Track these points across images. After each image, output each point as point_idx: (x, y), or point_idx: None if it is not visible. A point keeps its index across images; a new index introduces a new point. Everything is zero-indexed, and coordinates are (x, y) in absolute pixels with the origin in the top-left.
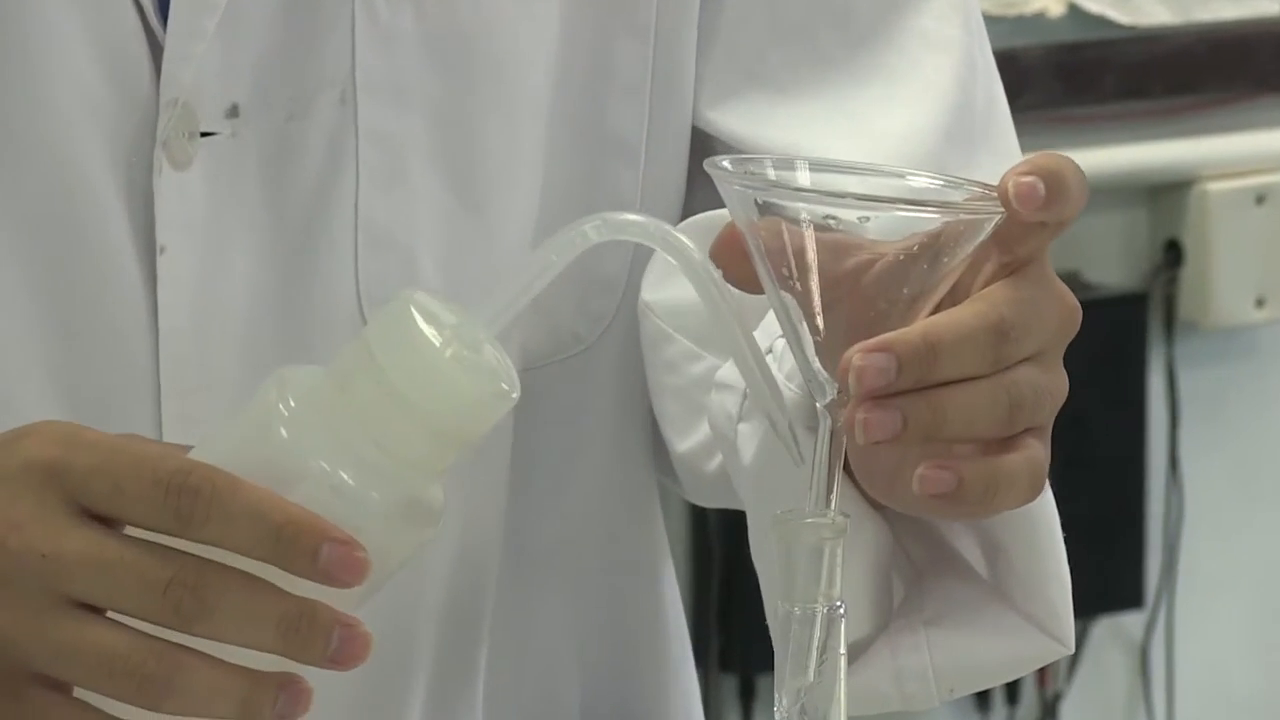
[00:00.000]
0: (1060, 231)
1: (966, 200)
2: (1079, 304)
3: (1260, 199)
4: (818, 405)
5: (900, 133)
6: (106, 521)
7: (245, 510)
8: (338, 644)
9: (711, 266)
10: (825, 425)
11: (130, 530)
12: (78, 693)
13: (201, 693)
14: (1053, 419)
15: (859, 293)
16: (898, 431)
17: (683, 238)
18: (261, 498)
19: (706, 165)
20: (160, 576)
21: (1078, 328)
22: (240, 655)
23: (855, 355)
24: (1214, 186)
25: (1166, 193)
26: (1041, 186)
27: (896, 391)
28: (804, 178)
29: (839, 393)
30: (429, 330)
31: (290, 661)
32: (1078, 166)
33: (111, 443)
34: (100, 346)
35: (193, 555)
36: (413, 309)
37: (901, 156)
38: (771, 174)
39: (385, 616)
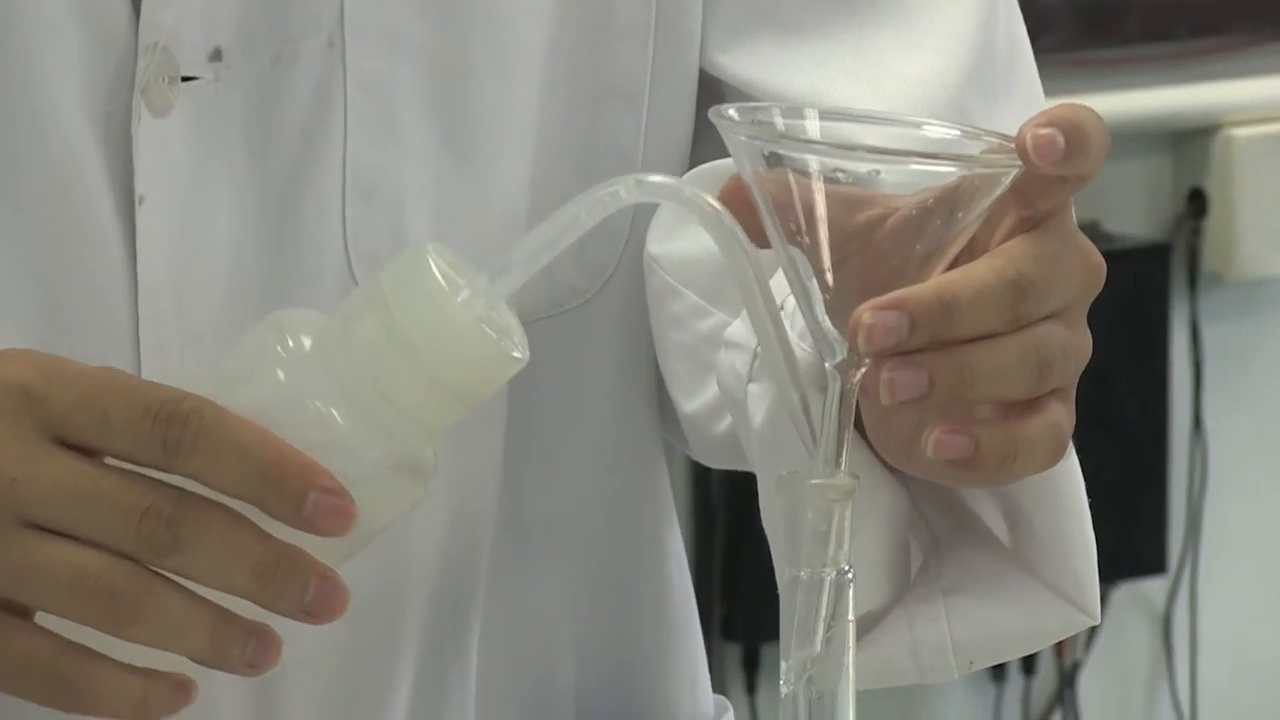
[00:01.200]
0: (1082, 186)
1: (983, 153)
2: (1103, 261)
3: None
4: (827, 365)
5: (920, 76)
6: (84, 452)
7: (234, 444)
8: (314, 595)
9: (748, 242)
10: (835, 386)
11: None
12: (39, 620)
13: (171, 621)
14: (1076, 380)
15: (871, 248)
16: (924, 391)
17: (720, 206)
18: (252, 432)
19: (711, 114)
20: (136, 504)
21: (1101, 285)
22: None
23: (865, 312)
24: (1240, 132)
25: (1190, 139)
26: (1061, 139)
27: (915, 349)
28: (814, 128)
29: (849, 352)
30: (444, 280)
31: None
32: (1099, 118)
33: (94, 374)
34: (78, 303)
35: (173, 486)
36: (430, 258)
37: (922, 100)
38: (780, 124)
39: (371, 589)
